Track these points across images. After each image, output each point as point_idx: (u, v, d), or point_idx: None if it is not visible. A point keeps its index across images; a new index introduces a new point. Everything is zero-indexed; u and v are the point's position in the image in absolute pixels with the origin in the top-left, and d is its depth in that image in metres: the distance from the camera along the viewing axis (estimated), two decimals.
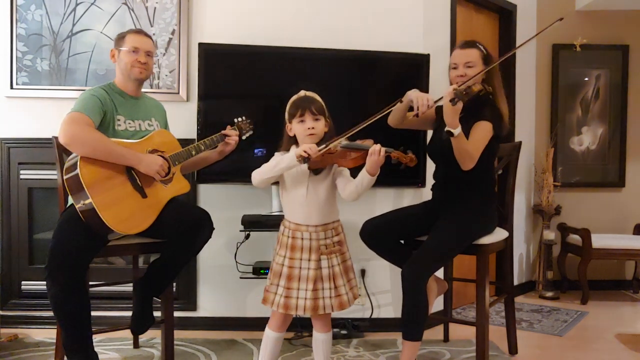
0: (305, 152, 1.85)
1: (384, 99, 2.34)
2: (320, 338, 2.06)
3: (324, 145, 1.90)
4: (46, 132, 2.72)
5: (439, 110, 2.43)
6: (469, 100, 2.09)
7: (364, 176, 1.87)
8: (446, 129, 2.06)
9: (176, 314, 2.61)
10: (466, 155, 2.12)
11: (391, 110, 2.30)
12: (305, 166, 1.92)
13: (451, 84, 2.38)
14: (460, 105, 2.03)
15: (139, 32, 2.34)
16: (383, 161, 1.83)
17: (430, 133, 2.64)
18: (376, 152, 1.81)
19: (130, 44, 2.28)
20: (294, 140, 2.01)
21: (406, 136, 2.61)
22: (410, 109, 2.26)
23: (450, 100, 2.00)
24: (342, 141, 1.90)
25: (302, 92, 2.02)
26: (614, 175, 4.22)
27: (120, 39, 2.32)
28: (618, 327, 3.18)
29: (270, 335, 2.04)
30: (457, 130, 2.05)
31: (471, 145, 2.14)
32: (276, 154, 2.04)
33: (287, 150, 2.02)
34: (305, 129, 1.95)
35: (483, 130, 2.18)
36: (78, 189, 2.00)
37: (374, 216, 2.41)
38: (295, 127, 1.99)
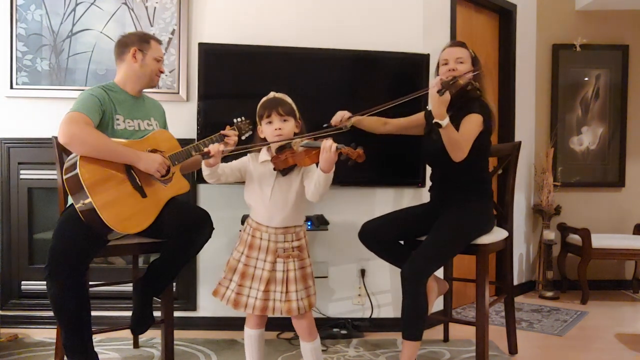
0: (208, 149, 1.92)
1: (383, 98, 2.34)
2: (307, 347, 2.05)
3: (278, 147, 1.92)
4: (46, 132, 2.72)
5: (429, 115, 2.44)
6: (456, 92, 2.10)
7: (319, 174, 1.84)
8: (434, 120, 2.06)
9: (176, 314, 2.61)
10: (456, 145, 2.12)
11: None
12: (271, 167, 1.94)
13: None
14: (447, 96, 2.04)
15: (160, 42, 2.39)
16: (336, 158, 1.79)
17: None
18: (327, 149, 1.77)
19: (156, 53, 2.33)
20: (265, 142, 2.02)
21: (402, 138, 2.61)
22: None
23: (438, 91, 2.02)
24: (303, 141, 1.89)
25: (272, 94, 2.03)
26: (614, 175, 4.22)
27: (145, 42, 2.30)
28: (618, 327, 3.18)
29: (251, 334, 2.06)
30: (445, 121, 2.04)
31: (461, 135, 2.14)
32: (248, 155, 2.05)
33: (258, 151, 2.03)
34: (273, 130, 1.96)
35: (472, 122, 2.19)
36: (78, 189, 2.00)
37: (373, 217, 2.41)
38: (264, 128, 2.00)
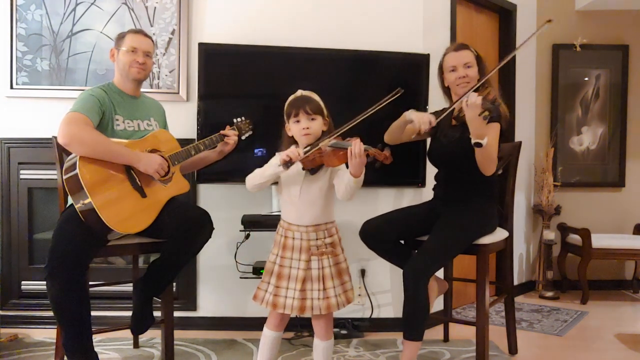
0: (287, 156, 1.85)
1: (383, 99, 2.34)
2: (321, 346, 2.04)
3: (309, 148, 1.88)
4: (46, 132, 2.72)
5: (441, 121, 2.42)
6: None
7: (350, 179, 1.85)
8: (474, 141, 2.02)
9: (176, 314, 2.61)
10: (491, 161, 2.13)
11: (381, 108, 2.26)
12: (300, 166, 1.92)
13: (448, 86, 2.38)
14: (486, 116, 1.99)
15: (139, 32, 2.35)
16: (365, 161, 1.80)
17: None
18: (356, 154, 1.79)
19: (129, 44, 2.28)
20: (293, 140, 2.01)
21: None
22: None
23: (481, 114, 1.95)
24: (331, 140, 1.89)
25: (299, 92, 2.02)
26: (614, 175, 4.22)
27: (120, 38, 2.32)
28: (618, 327, 3.18)
29: (268, 335, 2.04)
30: (485, 141, 2.02)
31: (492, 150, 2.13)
32: (277, 154, 2.03)
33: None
34: (301, 129, 1.95)
35: (495, 133, 2.17)
36: (77, 189, 2.00)
37: (374, 216, 2.41)
38: (292, 127, 1.99)
